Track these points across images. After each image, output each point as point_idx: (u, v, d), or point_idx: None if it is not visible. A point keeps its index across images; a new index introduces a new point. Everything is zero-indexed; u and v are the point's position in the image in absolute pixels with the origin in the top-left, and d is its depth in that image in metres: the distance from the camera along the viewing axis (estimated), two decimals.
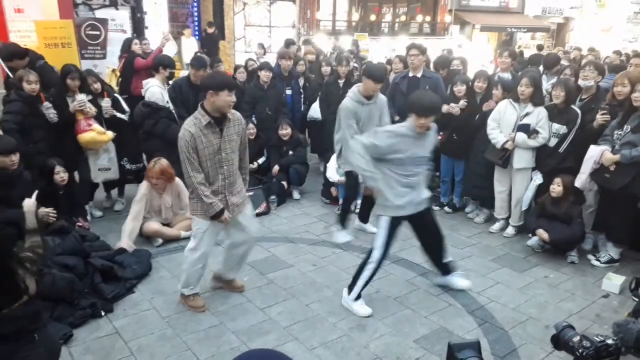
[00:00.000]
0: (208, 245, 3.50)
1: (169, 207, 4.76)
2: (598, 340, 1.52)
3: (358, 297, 3.61)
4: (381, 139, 3.39)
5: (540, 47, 13.98)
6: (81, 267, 3.63)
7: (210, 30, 10.80)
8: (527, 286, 4.06)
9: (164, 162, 4.62)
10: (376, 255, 3.53)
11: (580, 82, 4.73)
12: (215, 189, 3.36)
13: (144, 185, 4.67)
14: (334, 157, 5.77)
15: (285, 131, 5.85)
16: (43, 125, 4.58)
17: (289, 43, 8.35)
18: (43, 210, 3.99)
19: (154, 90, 5.06)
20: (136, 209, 4.55)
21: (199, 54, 7.00)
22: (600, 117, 4.33)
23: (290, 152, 5.92)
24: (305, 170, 6.02)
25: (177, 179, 4.73)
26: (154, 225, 4.63)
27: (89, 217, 4.97)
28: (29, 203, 2.72)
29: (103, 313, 3.47)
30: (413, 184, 3.48)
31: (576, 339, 1.57)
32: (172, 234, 4.71)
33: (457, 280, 3.94)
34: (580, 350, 1.53)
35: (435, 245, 3.85)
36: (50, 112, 4.58)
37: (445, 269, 3.92)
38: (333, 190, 5.74)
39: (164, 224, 4.74)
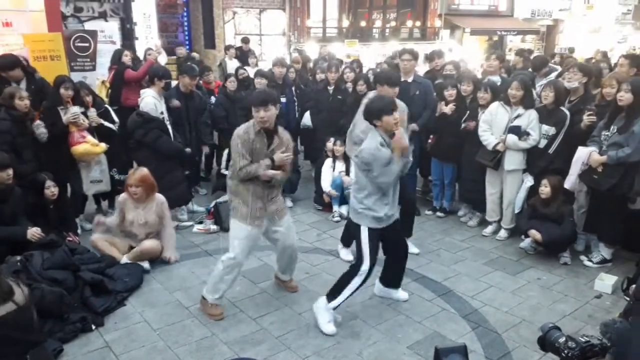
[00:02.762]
0: (243, 253, 3.54)
1: (141, 224, 4.37)
2: (583, 340, 1.52)
3: (337, 307, 3.47)
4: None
5: (572, 50, 13.75)
6: (71, 281, 3.60)
7: (246, 47, 10.59)
8: (520, 289, 4.06)
9: (144, 170, 4.42)
10: (365, 266, 3.41)
11: (566, 84, 4.77)
12: (256, 196, 3.48)
13: (120, 198, 4.48)
14: (327, 164, 5.80)
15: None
16: (32, 145, 4.50)
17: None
18: (30, 230, 3.98)
19: (148, 100, 5.03)
20: (116, 217, 4.46)
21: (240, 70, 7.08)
22: (586, 119, 4.36)
23: None
24: (297, 178, 6.02)
25: (162, 198, 4.47)
26: (101, 242, 4.34)
27: (79, 230, 4.94)
28: None
29: (94, 327, 3.44)
30: (393, 193, 3.42)
31: (562, 339, 1.57)
32: (112, 254, 4.28)
33: (399, 293, 3.88)
34: (565, 351, 1.53)
35: (400, 257, 3.78)
36: (41, 131, 4.51)
37: (397, 283, 3.86)
38: (325, 197, 5.74)
39: (131, 245, 4.42)
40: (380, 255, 3.68)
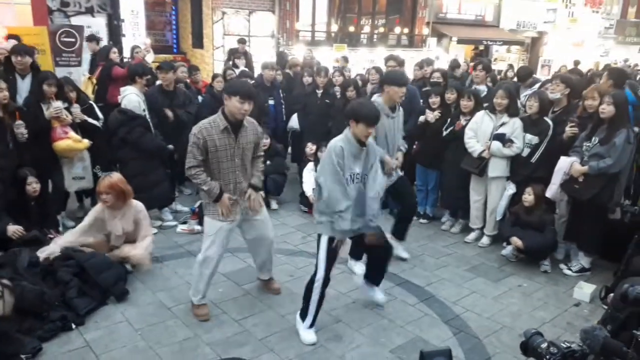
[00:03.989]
0: (217, 250, 3.52)
1: (119, 235, 4.19)
2: (564, 346, 1.56)
3: (312, 324, 3.42)
4: (331, 165, 3.22)
5: (577, 63, 13.71)
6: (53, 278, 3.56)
7: (242, 48, 10.03)
8: (502, 295, 4.12)
9: (115, 176, 4.22)
10: (320, 274, 3.36)
11: (549, 95, 4.87)
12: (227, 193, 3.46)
13: (96, 207, 4.27)
14: (308, 167, 5.85)
15: (265, 141, 5.87)
16: (8, 139, 4.36)
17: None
18: (11, 227, 3.91)
19: (132, 98, 4.98)
20: (84, 224, 4.19)
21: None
22: (568, 130, 4.46)
23: (268, 162, 5.92)
24: (283, 180, 6.02)
25: (140, 206, 4.29)
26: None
27: (60, 228, 4.86)
28: None
29: (74, 326, 3.39)
30: (355, 203, 3.31)
31: (544, 345, 1.61)
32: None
33: (378, 295, 3.83)
34: (547, 357, 1.56)
35: (378, 263, 3.75)
36: (21, 131, 4.41)
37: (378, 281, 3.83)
38: (311, 196, 5.75)
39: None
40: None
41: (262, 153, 3.72)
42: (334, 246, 3.36)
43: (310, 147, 6.04)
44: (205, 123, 3.37)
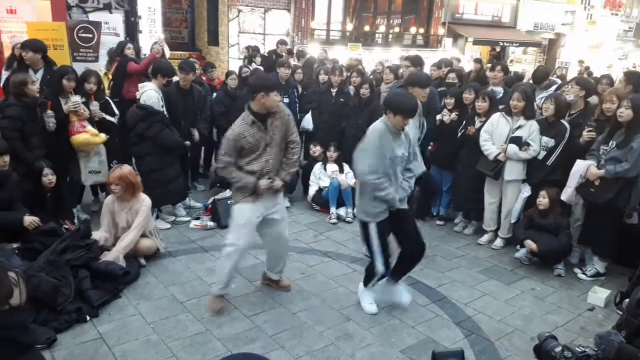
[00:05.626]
0: (244, 238, 3.57)
1: (124, 227, 4.27)
2: (579, 350, 1.54)
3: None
4: (374, 151, 3.39)
5: (581, 62, 13.37)
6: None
7: (282, 50, 9.62)
8: (514, 298, 4.08)
9: (125, 168, 4.31)
10: (379, 267, 3.54)
11: (566, 97, 4.82)
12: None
13: (106, 201, 4.38)
14: (316, 168, 5.88)
15: None
16: (40, 132, 4.53)
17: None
18: (28, 218, 3.97)
19: (151, 94, 4.98)
20: (104, 222, 4.34)
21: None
22: (586, 134, 4.41)
23: None
24: (295, 179, 6.02)
25: (146, 199, 4.32)
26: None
27: (75, 220, 4.92)
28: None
29: (88, 318, 3.44)
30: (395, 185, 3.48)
31: (558, 349, 1.59)
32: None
33: (403, 295, 3.81)
34: None
35: (410, 260, 3.73)
36: (51, 120, 4.56)
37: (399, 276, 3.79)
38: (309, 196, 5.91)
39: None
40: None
41: (297, 139, 3.69)
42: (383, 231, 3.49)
43: (313, 150, 6.06)
44: (238, 123, 3.47)
